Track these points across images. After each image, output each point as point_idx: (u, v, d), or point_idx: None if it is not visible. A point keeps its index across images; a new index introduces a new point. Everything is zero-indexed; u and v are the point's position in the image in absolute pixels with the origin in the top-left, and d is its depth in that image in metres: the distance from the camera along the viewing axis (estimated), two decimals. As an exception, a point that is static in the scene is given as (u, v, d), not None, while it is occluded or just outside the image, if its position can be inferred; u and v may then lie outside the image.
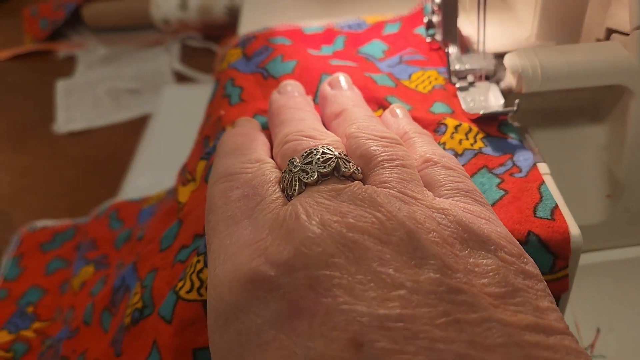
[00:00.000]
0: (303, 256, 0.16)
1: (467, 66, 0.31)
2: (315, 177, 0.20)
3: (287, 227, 0.17)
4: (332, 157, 0.20)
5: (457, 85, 0.30)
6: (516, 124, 0.28)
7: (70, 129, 0.63)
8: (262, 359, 0.15)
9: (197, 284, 0.23)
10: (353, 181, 0.20)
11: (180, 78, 0.71)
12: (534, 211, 0.23)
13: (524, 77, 0.28)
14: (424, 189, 0.20)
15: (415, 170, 0.21)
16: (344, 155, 0.21)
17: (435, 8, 0.33)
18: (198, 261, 0.24)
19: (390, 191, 0.19)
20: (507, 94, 0.29)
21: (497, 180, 0.25)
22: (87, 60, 0.77)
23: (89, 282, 0.40)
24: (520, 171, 0.25)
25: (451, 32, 0.32)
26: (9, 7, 0.94)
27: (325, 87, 0.28)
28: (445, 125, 0.28)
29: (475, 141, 0.27)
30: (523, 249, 0.19)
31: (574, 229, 0.23)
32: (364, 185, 0.19)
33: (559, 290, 0.23)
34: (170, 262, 0.27)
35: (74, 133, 0.63)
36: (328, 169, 0.20)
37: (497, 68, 0.31)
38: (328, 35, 0.37)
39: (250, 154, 0.23)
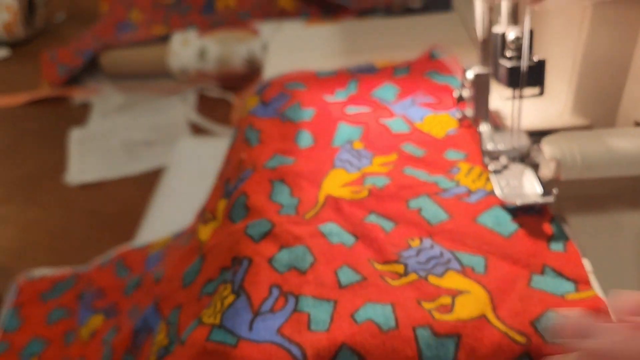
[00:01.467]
0: None
1: (500, 147, 0.30)
2: None
3: None
4: None
5: (490, 167, 0.29)
6: (556, 215, 0.27)
7: (82, 181, 0.63)
8: None
9: (218, 307, 0.24)
10: None
11: (196, 129, 0.71)
12: (548, 244, 0.26)
13: (562, 164, 0.26)
14: None
15: None
16: None
17: (467, 84, 0.32)
18: (225, 288, 0.24)
19: None
20: (543, 180, 0.28)
21: (510, 216, 0.27)
22: (102, 107, 0.77)
23: (99, 331, 0.40)
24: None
25: (483, 109, 0.31)
26: (28, 49, 0.96)
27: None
28: (459, 168, 0.30)
29: (487, 183, 0.29)
30: None
31: None
32: None
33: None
34: (195, 296, 0.27)
35: (85, 185, 0.62)
36: None
37: (530, 148, 0.30)
38: (341, 79, 0.39)
39: None
